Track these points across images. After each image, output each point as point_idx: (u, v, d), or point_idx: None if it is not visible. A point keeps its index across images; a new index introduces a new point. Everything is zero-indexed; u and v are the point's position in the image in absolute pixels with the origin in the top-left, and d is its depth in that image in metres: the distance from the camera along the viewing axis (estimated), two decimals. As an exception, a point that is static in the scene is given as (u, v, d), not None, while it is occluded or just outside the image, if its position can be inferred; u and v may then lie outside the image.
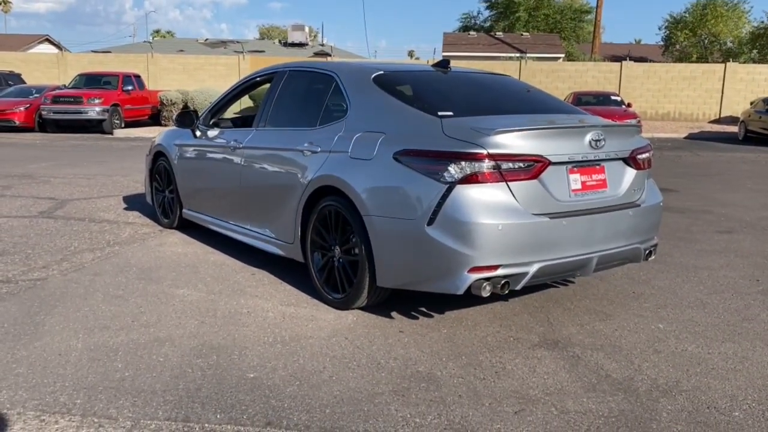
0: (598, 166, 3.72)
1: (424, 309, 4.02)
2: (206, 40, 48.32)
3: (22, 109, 19.41)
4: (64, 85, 21.36)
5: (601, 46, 36.49)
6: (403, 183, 3.51)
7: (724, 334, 3.71)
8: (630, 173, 3.88)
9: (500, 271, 3.36)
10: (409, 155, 3.51)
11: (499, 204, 3.33)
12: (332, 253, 4.01)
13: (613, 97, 19.98)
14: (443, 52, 34.37)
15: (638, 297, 4.39)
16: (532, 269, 3.42)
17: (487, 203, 3.31)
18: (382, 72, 4.20)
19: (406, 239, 3.50)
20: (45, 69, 27.55)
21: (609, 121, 4.01)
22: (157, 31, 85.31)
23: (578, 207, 3.59)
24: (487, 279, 3.35)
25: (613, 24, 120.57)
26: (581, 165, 3.63)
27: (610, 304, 4.23)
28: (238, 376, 3.04)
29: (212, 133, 5.42)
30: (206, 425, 2.59)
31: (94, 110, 19.02)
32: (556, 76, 26.54)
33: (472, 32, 39.90)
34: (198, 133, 5.56)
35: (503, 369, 3.19)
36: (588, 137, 3.59)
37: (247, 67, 26.73)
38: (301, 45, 44.86)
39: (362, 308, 3.95)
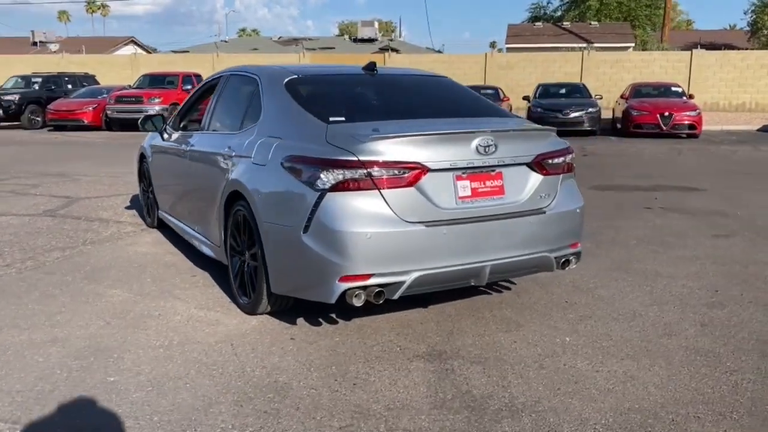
0: (493, 172, 3.57)
1: (333, 315, 3.99)
2: (279, 38, 49.41)
3: (90, 109, 20.57)
4: (129, 86, 22.41)
5: (678, 34, 34.67)
6: (286, 189, 3.51)
7: (631, 351, 3.49)
8: (535, 179, 3.70)
9: (373, 280, 3.29)
10: (292, 161, 3.50)
11: (370, 212, 3.27)
12: (244, 257, 4.05)
13: (673, 88, 19.02)
14: (507, 44, 33.69)
15: (569, 306, 4.19)
16: (410, 278, 3.33)
17: (357, 211, 3.26)
18: (295, 76, 4.18)
19: (287, 246, 3.50)
20: (120, 70, 28.98)
21: (506, 126, 3.83)
22: (243, 30, 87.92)
23: (466, 214, 3.46)
24: (361, 288, 3.30)
25: (702, 10, 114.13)
26: (472, 171, 3.50)
27: (532, 313, 4.06)
28: (100, 379, 3.14)
29: (174, 136, 5.57)
30: (31, 429, 2.70)
31: (153, 109, 19.83)
32: (620, 66, 25.48)
33: (537, 23, 38.86)
34: (165, 136, 5.73)
35: (365, 381, 3.14)
36: (475, 143, 3.45)
37: (307, 64, 27.14)
38: (370, 41, 45.10)
39: (271, 313, 3.97)
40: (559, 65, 25.62)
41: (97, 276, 4.83)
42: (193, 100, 5.73)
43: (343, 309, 4.03)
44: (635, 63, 25.60)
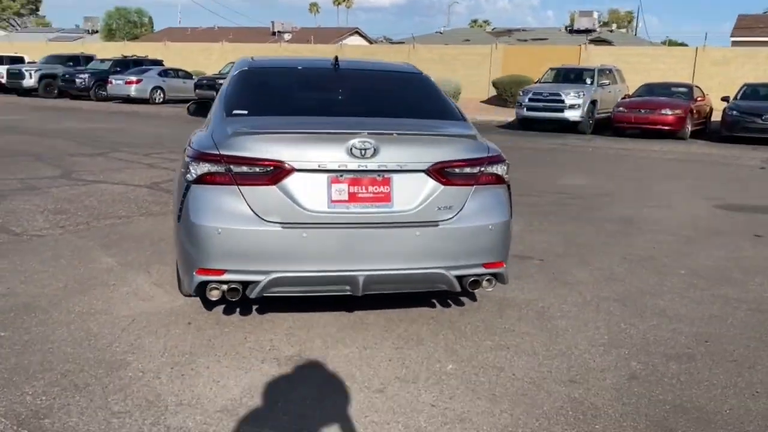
0: (379, 178, 3.32)
1: (256, 306, 3.99)
2: (493, 29, 49.08)
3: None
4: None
5: None
6: (178, 179, 3.62)
7: (502, 391, 3.06)
8: (432, 188, 3.36)
9: (227, 276, 3.27)
10: (185, 152, 3.59)
11: (226, 207, 3.25)
12: (187, 241, 4.23)
13: None
14: (732, 36, 29.86)
15: (500, 333, 3.76)
16: (266, 279, 3.26)
17: (213, 205, 3.26)
18: (246, 69, 4.23)
19: (174, 234, 3.61)
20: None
21: (397, 128, 3.46)
22: (474, 21, 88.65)
23: (337, 219, 3.27)
24: (217, 282, 3.30)
25: None
26: (352, 175, 3.29)
27: (450, 334, 3.71)
28: (-6, 333, 3.54)
29: (212, 122, 5.93)
30: None
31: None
32: None
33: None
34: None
35: (197, 374, 3.14)
36: (348, 145, 3.23)
37: (499, 56, 26.69)
38: (587, 31, 42.83)
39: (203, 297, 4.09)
40: (788, 62, 22.11)
41: (113, 244, 5.36)
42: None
43: (276, 302, 4.03)
44: None
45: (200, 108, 6.77)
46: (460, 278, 3.47)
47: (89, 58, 30.68)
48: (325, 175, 3.28)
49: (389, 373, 3.23)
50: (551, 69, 19.91)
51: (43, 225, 5.91)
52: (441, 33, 49.45)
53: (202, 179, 3.29)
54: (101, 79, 26.98)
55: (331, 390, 3.04)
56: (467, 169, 3.42)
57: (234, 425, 2.72)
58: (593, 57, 24.49)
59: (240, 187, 3.24)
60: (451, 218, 3.39)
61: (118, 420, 2.72)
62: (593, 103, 17.81)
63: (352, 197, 3.30)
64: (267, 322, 3.80)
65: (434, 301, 4.20)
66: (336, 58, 4.28)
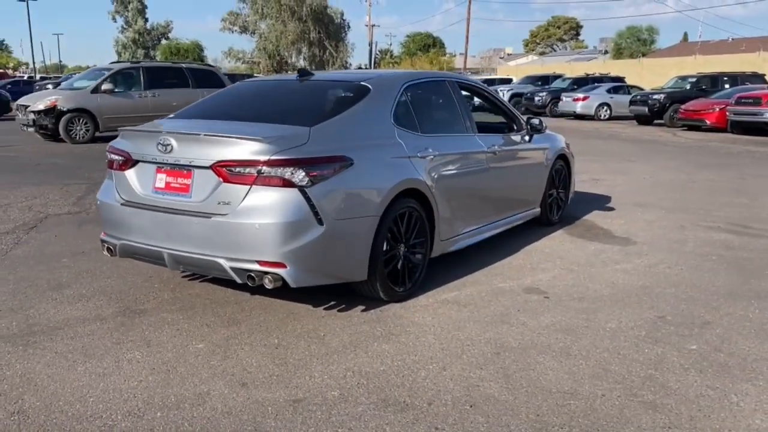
0: (185, 171, 3.80)
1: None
2: None
3: (716, 109, 20.02)
4: (771, 86, 20.35)
5: None
6: None
7: (177, 367, 3.26)
8: (215, 184, 3.68)
9: (106, 237, 4.26)
10: None
11: (107, 186, 4.27)
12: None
13: None
14: None
15: (307, 338, 3.69)
16: (119, 243, 4.13)
17: (104, 184, 4.33)
18: (236, 83, 5.05)
19: None
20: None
21: (190, 129, 3.83)
22: None
23: (153, 203, 3.90)
24: (104, 241, 4.31)
25: None
26: (168, 167, 3.86)
27: (270, 326, 3.85)
28: None
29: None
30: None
31: (775, 111, 17.91)
32: None
33: None
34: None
35: (59, 299, 4.25)
36: (156, 141, 3.82)
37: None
38: None
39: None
40: None
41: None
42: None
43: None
44: None
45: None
46: (238, 271, 3.67)
47: (557, 77, 32.81)
48: (153, 166, 3.96)
49: (152, 336, 3.70)
50: None
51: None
52: None
53: (108, 164, 4.37)
54: (556, 96, 28.70)
55: (70, 335, 3.75)
56: (243, 169, 3.59)
57: (28, 338, 3.76)
58: None
59: (113, 171, 4.21)
60: (226, 213, 3.64)
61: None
62: None
63: (168, 186, 3.89)
64: (183, 286, 4.58)
65: (334, 302, 4.26)
66: (299, 71, 4.76)
